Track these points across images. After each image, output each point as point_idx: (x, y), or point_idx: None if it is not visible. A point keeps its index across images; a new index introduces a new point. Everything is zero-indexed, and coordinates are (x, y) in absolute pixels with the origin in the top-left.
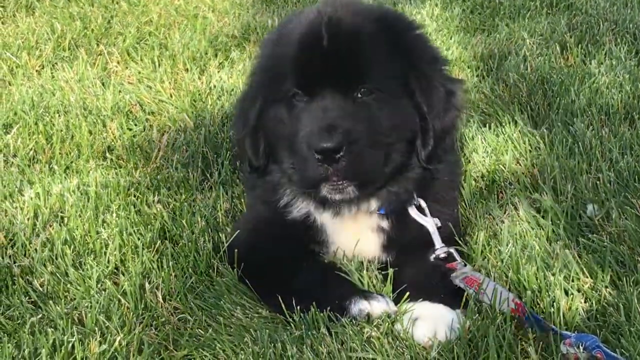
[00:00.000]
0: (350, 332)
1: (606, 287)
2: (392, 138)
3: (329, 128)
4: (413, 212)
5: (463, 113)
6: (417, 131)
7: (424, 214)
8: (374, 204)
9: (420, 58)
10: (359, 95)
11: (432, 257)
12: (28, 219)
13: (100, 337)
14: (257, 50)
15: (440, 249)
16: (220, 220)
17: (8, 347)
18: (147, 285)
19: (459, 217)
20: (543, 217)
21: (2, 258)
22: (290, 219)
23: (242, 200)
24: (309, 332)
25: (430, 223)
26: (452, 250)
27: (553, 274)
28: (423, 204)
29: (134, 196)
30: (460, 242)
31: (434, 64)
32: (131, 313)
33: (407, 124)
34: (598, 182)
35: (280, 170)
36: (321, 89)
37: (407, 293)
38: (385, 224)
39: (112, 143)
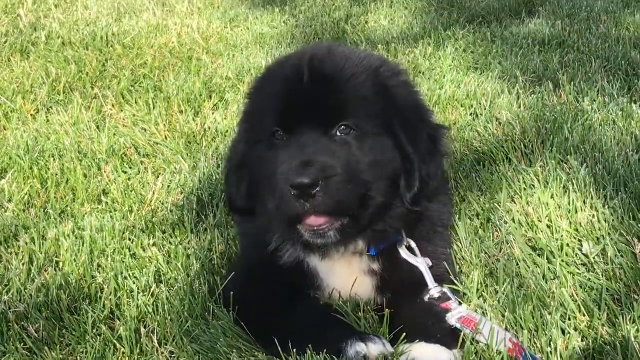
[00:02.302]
0: None
1: (603, 325)
2: (372, 176)
3: (305, 163)
4: (404, 253)
5: (447, 158)
6: (400, 171)
7: (415, 255)
8: (361, 244)
9: (404, 104)
10: (338, 133)
11: (426, 298)
12: (23, 264)
13: None
14: (246, 92)
15: (434, 289)
16: (216, 262)
17: None
18: (142, 329)
19: (453, 256)
20: (539, 255)
21: None
22: (282, 263)
23: (237, 242)
24: None
25: (421, 263)
26: (445, 289)
27: (550, 313)
28: (413, 244)
29: (129, 240)
30: (455, 281)
31: (418, 110)
32: (127, 358)
33: (388, 163)
34: (593, 220)
35: (265, 212)
36: (300, 126)
37: (404, 334)
38: (376, 266)
39: (107, 186)
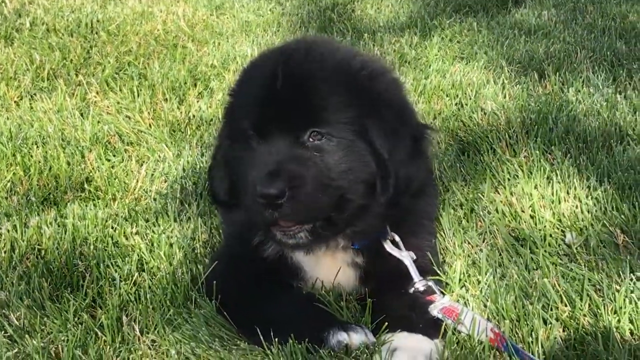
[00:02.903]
0: None
1: (584, 315)
2: (345, 181)
3: (272, 173)
4: (388, 246)
5: (430, 159)
6: (375, 175)
7: (400, 248)
8: (341, 241)
9: (383, 107)
10: (311, 139)
11: (411, 291)
12: (5, 252)
13: None
14: (230, 87)
15: (419, 283)
16: (199, 251)
17: None
18: (124, 318)
19: (437, 247)
20: (522, 245)
21: None
22: (265, 256)
23: (221, 231)
24: None
25: (406, 257)
26: (430, 283)
27: (531, 303)
28: (397, 238)
29: (112, 228)
30: (439, 271)
31: (399, 113)
32: (108, 346)
33: (361, 168)
34: (576, 210)
35: (246, 208)
36: (271, 132)
37: (386, 323)
38: (360, 259)
39: (91, 174)
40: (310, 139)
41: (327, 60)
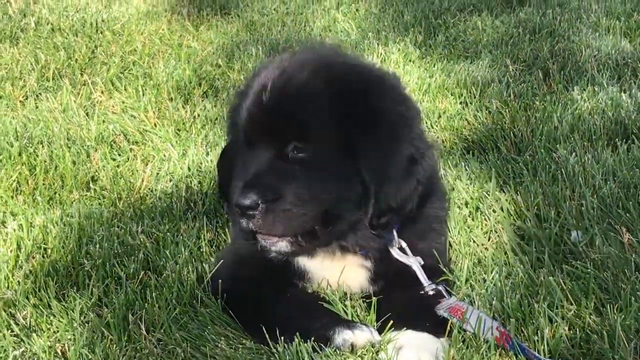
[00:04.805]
0: None
1: (590, 314)
2: (326, 198)
3: (248, 184)
4: (395, 253)
5: (424, 181)
6: (360, 193)
7: (407, 254)
8: (335, 252)
9: (378, 123)
10: (295, 152)
11: (421, 293)
12: (11, 251)
13: None
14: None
15: (429, 287)
16: (204, 250)
17: None
18: (130, 317)
19: (447, 247)
20: (527, 244)
21: None
22: (270, 257)
23: (227, 229)
24: None
25: (414, 262)
26: (440, 287)
27: (537, 302)
28: (404, 244)
29: (118, 227)
30: (445, 271)
31: (396, 129)
32: (114, 345)
33: (345, 186)
34: (582, 209)
35: None
36: (256, 142)
37: (391, 322)
38: (368, 263)
39: (96, 173)
40: (295, 152)
41: (320, 74)
